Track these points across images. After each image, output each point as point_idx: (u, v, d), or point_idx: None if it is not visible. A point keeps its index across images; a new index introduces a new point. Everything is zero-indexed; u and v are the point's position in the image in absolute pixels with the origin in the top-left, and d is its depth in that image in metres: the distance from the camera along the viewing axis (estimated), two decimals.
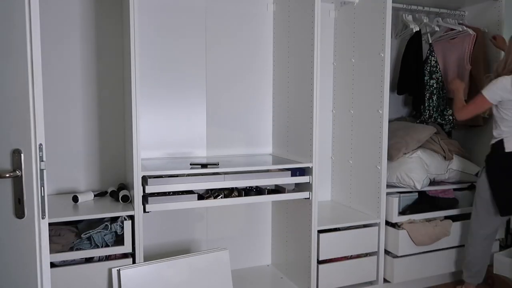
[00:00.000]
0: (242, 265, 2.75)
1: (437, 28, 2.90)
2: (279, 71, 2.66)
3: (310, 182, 2.34)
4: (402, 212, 2.59)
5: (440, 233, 2.61)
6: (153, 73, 2.45)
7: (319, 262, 2.39)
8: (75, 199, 2.16)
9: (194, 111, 2.57)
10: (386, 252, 2.57)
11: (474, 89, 2.83)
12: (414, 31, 2.82)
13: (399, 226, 2.55)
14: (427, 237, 2.56)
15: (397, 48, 3.06)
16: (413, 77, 2.87)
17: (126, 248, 2.02)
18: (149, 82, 2.45)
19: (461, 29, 2.88)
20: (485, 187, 2.41)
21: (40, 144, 1.27)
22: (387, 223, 2.55)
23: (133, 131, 2.00)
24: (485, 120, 2.87)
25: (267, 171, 2.32)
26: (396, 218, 2.54)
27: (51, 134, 2.28)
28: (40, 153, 1.28)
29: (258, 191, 2.35)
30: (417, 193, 2.66)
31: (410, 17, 2.83)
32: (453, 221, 2.69)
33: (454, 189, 2.78)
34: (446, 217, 2.71)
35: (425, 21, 2.89)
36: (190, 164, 2.20)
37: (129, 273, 1.97)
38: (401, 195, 2.59)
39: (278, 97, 2.68)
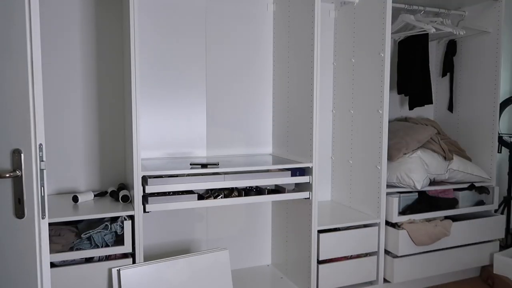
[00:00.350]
0: (242, 265, 2.75)
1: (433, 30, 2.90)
2: (279, 71, 2.66)
3: (310, 182, 2.34)
4: (402, 212, 2.59)
5: (440, 233, 2.61)
6: (153, 73, 2.46)
7: (319, 262, 2.39)
8: (75, 199, 2.16)
9: (194, 111, 2.57)
10: (386, 252, 2.57)
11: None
12: (427, 32, 2.81)
13: (399, 226, 2.55)
14: (427, 237, 2.56)
15: (392, 47, 3.06)
16: (419, 77, 2.87)
17: (126, 248, 2.02)
18: (149, 82, 2.45)
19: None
20: None
21: (40, 144, 1.27)
22: (387, 223, 2.56)
23: (133, 131, 2.00)
24: None
25: (267, 171, 2.32)
26: (396, 218, 2.54)
27: (51, 134, 2.28)
28: (40, 153, 1.28)
29: (258, 191, 2.35)
30: (417, 193, 2.66)
31: (412, 17, 2.83)
32: (453, 221, 2.69)
33: (454, 189, 2.78)
34: (446, 217, 2.71)
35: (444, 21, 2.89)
36: (190, 164, 2.20)
37: (129, 273, 1.97)
38: (401, 195, 2.59)
39: (278, 97, 2.68)
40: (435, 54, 3.29)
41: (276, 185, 2.50)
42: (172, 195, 2.13)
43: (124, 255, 2.04)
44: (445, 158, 2.72)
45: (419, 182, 2.54)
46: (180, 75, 2.52)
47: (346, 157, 2.77)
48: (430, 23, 2.82)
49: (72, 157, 2.35)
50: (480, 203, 2.85)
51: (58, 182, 2.33)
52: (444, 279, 2.80)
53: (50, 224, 1.86)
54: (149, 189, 2.05)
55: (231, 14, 2.62)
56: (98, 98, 2.38)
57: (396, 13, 2.77)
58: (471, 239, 2.76)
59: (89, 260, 2.00)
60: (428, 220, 2.65)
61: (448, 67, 3.13)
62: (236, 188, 2.33)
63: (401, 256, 2.56)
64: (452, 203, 2.74)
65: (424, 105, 2.96)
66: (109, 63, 2.39)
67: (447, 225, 2.65)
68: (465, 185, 2.81)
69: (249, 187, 2.35)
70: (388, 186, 2.54)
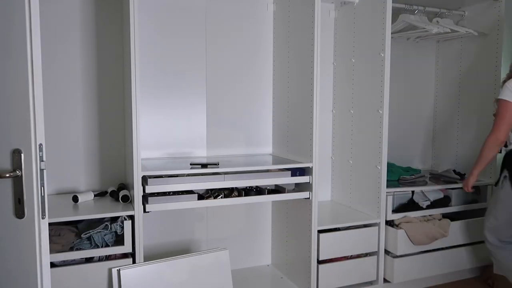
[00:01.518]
0: (242, 265, 2.75)
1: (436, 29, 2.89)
2: (279, 71, 2.66)
3: (310, 182, 2.34)
4: (395, 210, 2.59)
5: (438, 233, 2.60)
6: (153, 73, 2.45)
7: (319, 262, 2.39)
8: (75, 199, 2.16)
9: (194, 111, 2.57)
10: (386, 252, 2.57)
11: None
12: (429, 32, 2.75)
13: (397, 226, 2.55)
14: (424, 236, 2.56)
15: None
16: None
17: (126, 248, 2.02)
18: (149, 82, 2.45)
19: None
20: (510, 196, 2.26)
21: (40, 144, 1.27)
22: (387, 222, 2.55)
23: (133, 131, 2.01)
24: None
25: (267, 171, 2.31)
26: (390, 216, 2.54)
27: (51, 134, 2.28)
28: (40, 153, 1.27)
29: (258, 191, 2.35)
30: (410, 192, 2.66)
31: (412, 17, 2.82)
32: (451, 220, 2.69)
33: (447, 188, 2.77)
34: (444, 216, 2.70)
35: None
36: (190, 164, 2.20)
37: (129, 273, 1.97)
38: (395, 193, 2.59)
39: (278, 97, 2.68)
40: (435, 55, 3.30)
41: (276, 185, 2.50)
42: (172, 195, 2.13)
43: (124, 255, 2.04)
44: None
45: None
46: (180, 75, 2.52)
47: (346, 157, 2.77)
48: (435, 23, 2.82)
49: (72, 157, 2.35)
50: (474, 201, 2.85)
51: (58, 182, 2.33)
52: (444, 279, 2.79)
53: (50, 224, 1.85)
54: (149, 189, 2.05)
55: (231, 14, 2.61)
56: (98, 98, 2.38)
57: (396, 13, 2.77)
58: (468, 239, 2.76)
59: (89, 260, 2.00)
60: (426, 219, 2.65)
61: None
62: (236, 188, 2.33)
63: (400, 256, 2.56)
64: (445, 201, 2.75)
65: None
66: (109, 63, 2.39)
67: (446, 226, 2.64)
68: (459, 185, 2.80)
69: (249, 187, 2.35)
70: (389, 186, 2.53)
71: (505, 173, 2.32)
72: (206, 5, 2.55)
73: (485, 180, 2.88)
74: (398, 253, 2.53)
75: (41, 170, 1.28)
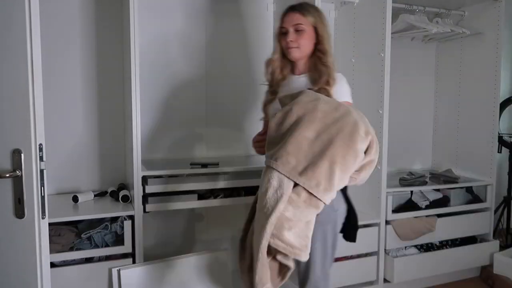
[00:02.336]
0: None
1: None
2: None
3: None
4: (395, 211, 2.59)
5: (423, 227, 2.60)
6: (153, 73, 2.45)
7: None
8: (75, 199, 2.16)
9: (194, 111, 2.57)
10: (386, 252, 2.57)
11: None
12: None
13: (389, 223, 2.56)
14: (410, 231, 2.56)
15: None
16: None
17: (126, 248, 2.02)
18: (149, 82, 2.44)
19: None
20: None
21: (40, 144, 1.27)
22: (387, 222, 2.55)
23: (133, 131, 2.00)
24: None
25: None
26: (390, 216, 2.54)
27: (51, 134, 2.27)
28: (40, 153, 1.27)
29: None
30: (410, 192, 2.67)
31: (412, 17, 2.82)
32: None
33: (447, 188, 2.78)
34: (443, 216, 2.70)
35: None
36: (190, 164, 2.20)
37: (129, 273, 1.97)
38: (394, 193, 2.59)
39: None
40: (435, 55, 3.29)
41: None
42: (172, 195, 2.13)
43: (124, 255, 2.04)
44: None
45: None
46: (180, 75, 2.52)
47: None
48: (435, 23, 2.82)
49: (72, 157, 2.35)
50: (471, 201, 2.85)
51: (58, 182, 2.32)
52: (444, 279, 2.79)
53: (50, 224, 1.85)
54: (149, 189, 2.05)
55: (231, 14, 2.61)
56: (98, 98, 2.38)
57: (396, 13, 2.77)
58: (458, 234, 2.78)
59: (89, 260, 2.00)
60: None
61: None
62: (236, 188, 2.33)
63: (401, 256, 2.55)
64: (444, 201, 2.75)
65: None
66: (109, 62, 2.39)
67: (432, 221, 2.64)
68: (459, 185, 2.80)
69: (249, 187, 2.35)
70: (389, 186, 2.53)
71: None
72: (206, 5, 2.55)
73: (485, 180, 2.89)
74: (387, 247, 2.54)
75: (41, 170, 1.28)
